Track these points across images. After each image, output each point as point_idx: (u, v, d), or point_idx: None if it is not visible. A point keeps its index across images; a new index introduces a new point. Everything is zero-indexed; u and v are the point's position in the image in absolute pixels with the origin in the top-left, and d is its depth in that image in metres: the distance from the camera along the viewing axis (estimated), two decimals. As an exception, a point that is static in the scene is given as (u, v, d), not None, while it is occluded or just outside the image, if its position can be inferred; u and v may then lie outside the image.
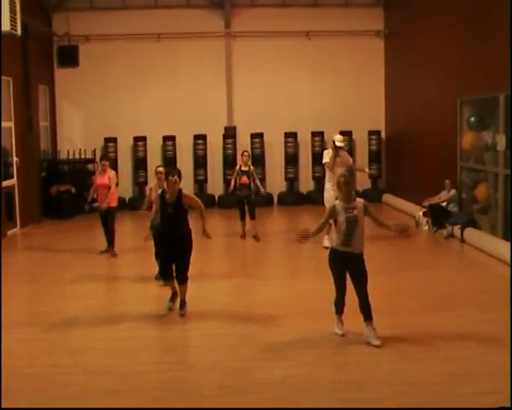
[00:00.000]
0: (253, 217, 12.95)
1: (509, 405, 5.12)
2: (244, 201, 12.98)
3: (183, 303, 8.09)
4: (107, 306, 8.62)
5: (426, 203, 13.56)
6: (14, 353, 6.73)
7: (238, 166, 13.16)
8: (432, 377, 5.95)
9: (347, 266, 6.88)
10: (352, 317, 7.66)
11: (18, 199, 14.74)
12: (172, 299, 8.23)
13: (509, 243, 10.41)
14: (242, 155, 13.18)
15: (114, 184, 11.69)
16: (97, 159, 17.84)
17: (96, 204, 11.72)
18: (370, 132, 18.51)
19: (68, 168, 17.38)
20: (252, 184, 12.97)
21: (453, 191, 13.09)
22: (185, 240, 7.95)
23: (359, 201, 6.88)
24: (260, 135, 18.24)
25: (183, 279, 8.02)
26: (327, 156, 11.77)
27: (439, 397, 5.52)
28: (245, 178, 12.90)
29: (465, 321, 7.55)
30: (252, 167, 13.15)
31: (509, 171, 10.91)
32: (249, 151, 14.53)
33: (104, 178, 11.60)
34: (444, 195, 13.30)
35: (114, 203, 11.69)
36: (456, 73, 13.45)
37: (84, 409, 5.48)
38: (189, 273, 8.08)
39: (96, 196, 11.75)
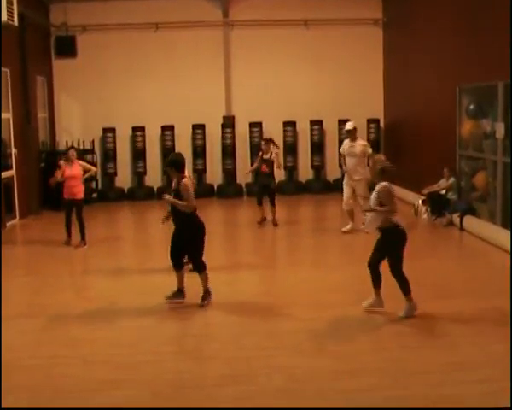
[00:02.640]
0: (272, 204, 13.09)
1: (508, 404, 5.12)
2: (263, 188, 13.17)
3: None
4: (106, 296, 8.62)
5: (425, 191, 13.57)
6: (14, 345, 6.74)
7: (260, 154, 13.21)
8: (431, 365, 5.96)
9: None
10: (353, 303, 7.70)
11: (17, 190, 14.72)
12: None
13: (508, 231, 10.42)
14: (263, 142, 13.29)
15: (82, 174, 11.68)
16: (96, 149, 17.93)
17: (64, 196, 11.59)
18: (369, 121, 18.47)
19: (67, 159, 17.34)
20: (273, 172, 13.03)
21: (452, 179, 13.10)
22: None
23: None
24: (259, 124, 18.21)
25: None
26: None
27: (439, 385, 5.54)
28: (264, 167, 13.02)
29: (464, 309, 7.56)
30: (273, 154, 13.01)
31: (507, 159, 10.91)
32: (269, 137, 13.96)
33: (73, 169, 11.48)
34: (443, 183, 13.30)
35: (81, 195, 11.63)
36: (455, 62, 13.42)
37: (83, 408, 5.48)
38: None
39: (61, 185, 11.64)
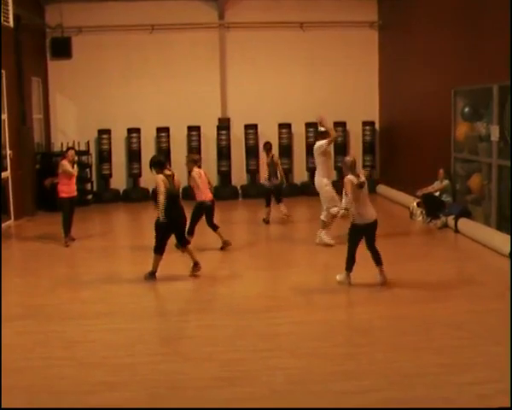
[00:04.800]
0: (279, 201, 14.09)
1: (508, 404, 5.13)
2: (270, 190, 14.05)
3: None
4: (102, 298, 8.61)
5: (419, 193, 13.58)
6: (9, 346, 6.72)
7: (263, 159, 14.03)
8: (426, 367, 5.97)
9: None
10: (350, 305, 7.72)
11: (12, 192, 14.68)
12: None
13: (502, 234, 10.45)
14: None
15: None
16: (91, 151, 17.91)
17: (64, 195, 11.94)
18: (364, 123, 18.51)
19: (62, 161, 17.31)
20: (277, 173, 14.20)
21: (446, 181, 13.13)
22: None
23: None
24: (254, 126, 18.22)
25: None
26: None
27: (434, 387, 5.55)
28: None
29: (459, 311, 7.58)
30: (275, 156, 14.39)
31: (502, 161, 10.94)
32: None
33: (74, 168, 12.11)
34: (437, 184, 13.33)
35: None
36: (450, 64, 13.46)
37: (80, 409, 5.47)
38: (186, 264, 8.03)
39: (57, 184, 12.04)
